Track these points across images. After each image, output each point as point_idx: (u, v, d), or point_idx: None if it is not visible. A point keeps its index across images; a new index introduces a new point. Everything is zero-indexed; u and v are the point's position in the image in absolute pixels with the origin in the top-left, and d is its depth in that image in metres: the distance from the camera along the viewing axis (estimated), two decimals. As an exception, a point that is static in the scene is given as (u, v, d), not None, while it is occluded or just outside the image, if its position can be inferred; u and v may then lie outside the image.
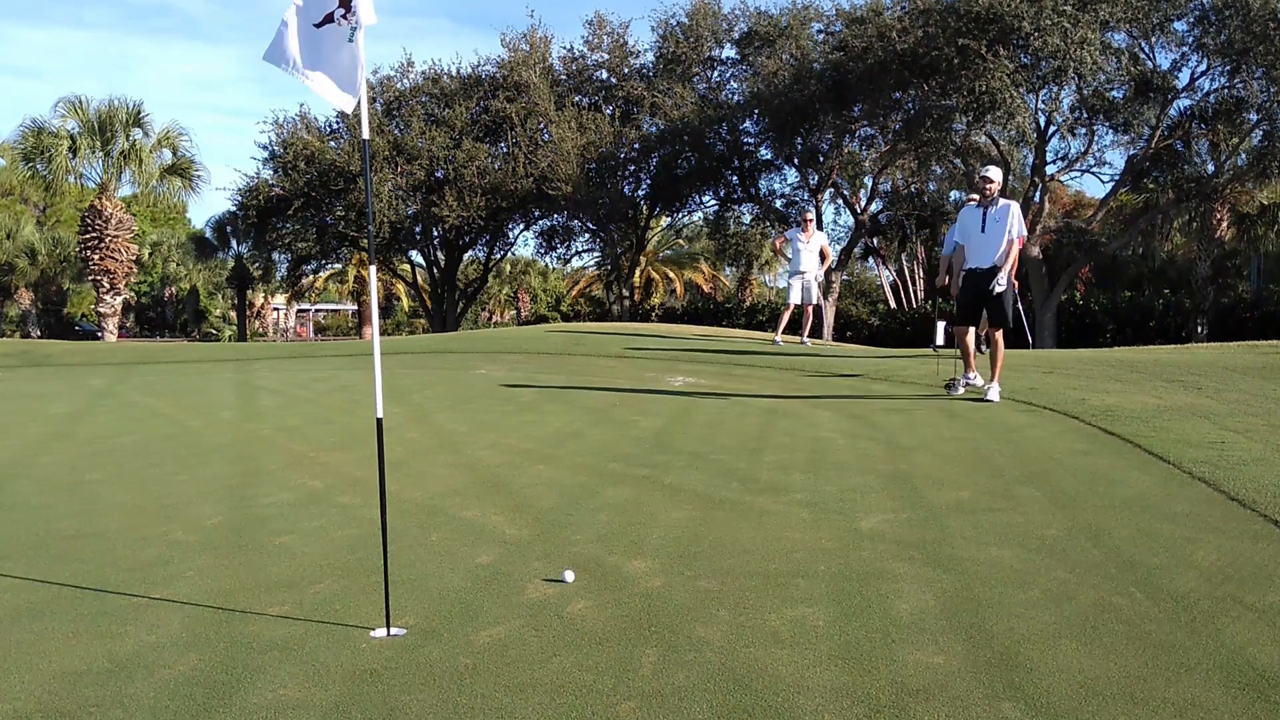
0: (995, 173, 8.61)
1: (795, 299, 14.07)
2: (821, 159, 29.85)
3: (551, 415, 8.48)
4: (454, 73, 32.52)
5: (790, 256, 14.12)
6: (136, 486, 5.84)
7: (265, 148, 31.96)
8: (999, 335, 8.59)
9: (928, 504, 5.10)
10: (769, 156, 31.45)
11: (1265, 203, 31.67)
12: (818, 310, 14.58)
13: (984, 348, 10.55)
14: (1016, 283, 8.70)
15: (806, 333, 14.56)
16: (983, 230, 8.56)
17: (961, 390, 8.90)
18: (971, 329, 8.77)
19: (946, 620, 3.42)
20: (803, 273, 13.99)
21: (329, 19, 3.62)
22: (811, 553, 4.25)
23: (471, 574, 4.03)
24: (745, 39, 29.81)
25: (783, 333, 14.68)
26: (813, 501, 5.18)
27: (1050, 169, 28.49)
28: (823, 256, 14.21)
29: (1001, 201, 8.60)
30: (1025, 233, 8.26)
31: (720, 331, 20.35)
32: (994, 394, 8.51)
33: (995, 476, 5.74)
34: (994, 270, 8.47)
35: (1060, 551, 4.21)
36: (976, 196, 10.88)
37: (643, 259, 40.78)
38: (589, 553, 4.30)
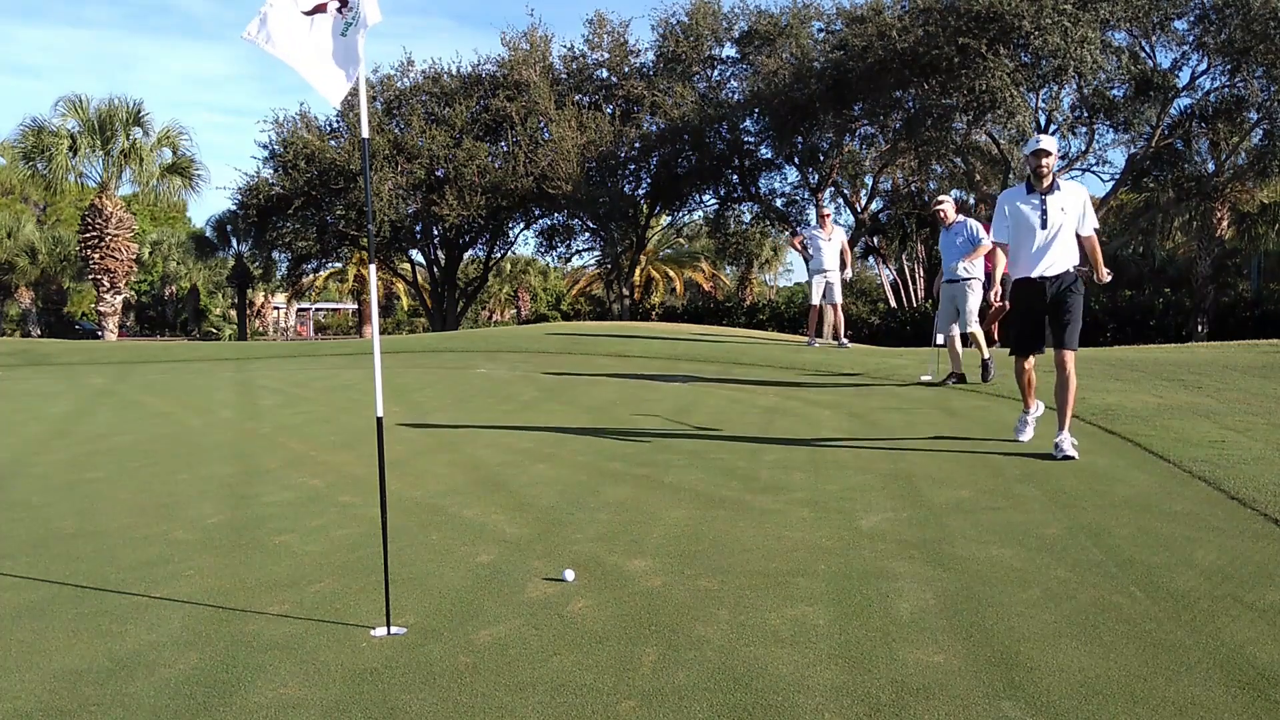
0: (1050, 143, 6.28)
1: (816, 299, 13.55)
2: (822, 158, 29.87)
3: (551, 414, 8.48)
4: (454, 71, 32.55)
5: (812, 254, 13.73)
6: (136, 485, 5.85)
7: (265, 146, 32.02)
8: (1070, 361, 6.21)
9: (928, 503, 5.09)
10: (769, 155, 31.49)
11: (1265, 201, 31.67)
12: (842, 309, 14.06)
13: (966, 345, 10.02)
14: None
15: (841, 332, 14.15)
16: (1043, 224, 6.25)
17: (1029, 433, 6.75)
18: (1032, 358, 6.61)
19: (947, 619, 3.42)
20: (826, 270, 13.44)
21: (320, 8, 3.60)
22: (811, 552, 4.25)
23: (472, 573, 4.03)
24: (745, 38, 29.83)
25: (815, 334, 14.21)
26: (813, 500, 5.18)
27: (1051, 168, 28.43)
28: (842, 257, 13.53)
29: (1067, 185, 6.39)
30: (1094, 230, 6.40)
31: (722, 330, 20.36)
32: (1069, 446, 6.13)
33: (995, 475, 5.74)
34: (1064, 278, 6.30)
35: (1060, 550, 4.21)
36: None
37: (643, 258, 40.80)
38: (589, 552, 4.30)
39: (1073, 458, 6.02)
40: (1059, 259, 6.29)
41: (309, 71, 3.62)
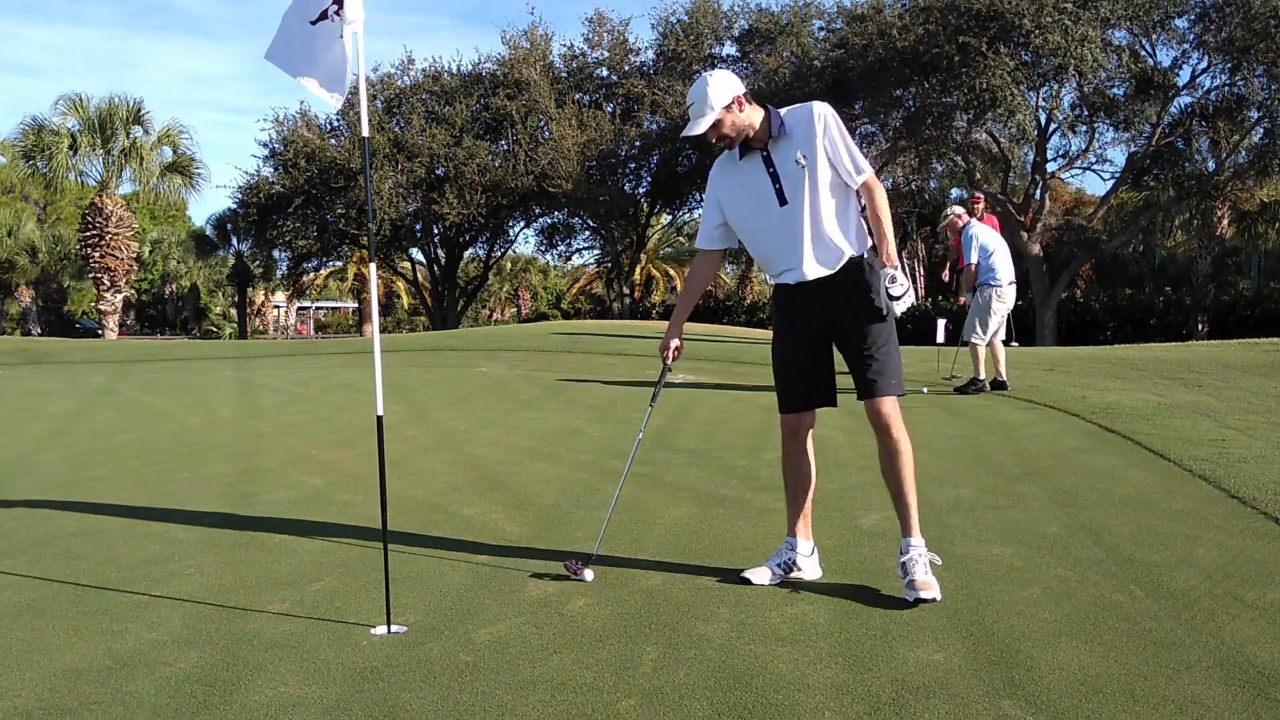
0: (711, 93, 3.56)
1: None
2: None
3: (552, 413, 8.49)
4: (454, 70, 32.60)
5: None
6: (137, 484, 5.85)
7: (266, 145, 32.10)
8: (892, 414, 3.72)
9: (928, 502, 5.08)
10: (769, 154, 31.43)
11: (1266, 200, 31.69)
12: None
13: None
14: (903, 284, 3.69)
15: None
16: (783, 199, 3.64)
17: (766, 577, 3.82)
18: (803, 415, 3.88)
19: (946, 618, 3.42)
20: None
21: (324, 15, 3.61)
22: (812, 550, 4.24)
23: (472, 571, 4.03)
24: (746, 36, 29.87)
25: None
26: (813, 499, 5.17)
27: (1051, 166, 28.51)
28: None
29: (793, 118, 3.65)
30: (870, 172, 3.69)
31: (722, 329, 20.36)
32: (920, 569, 3.59)
33: (995, 474, 5.74)
34: (849, 273, 3.65)
35: (1060, 549, 4.21)
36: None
37: (643, 256, 40.83)
38: (589, 550, 4.30)
39: (926, 599, 3.50)
40: (828, 243, 3.66)
41: (317, 86, 3.64)
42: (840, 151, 3.62)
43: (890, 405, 3.72)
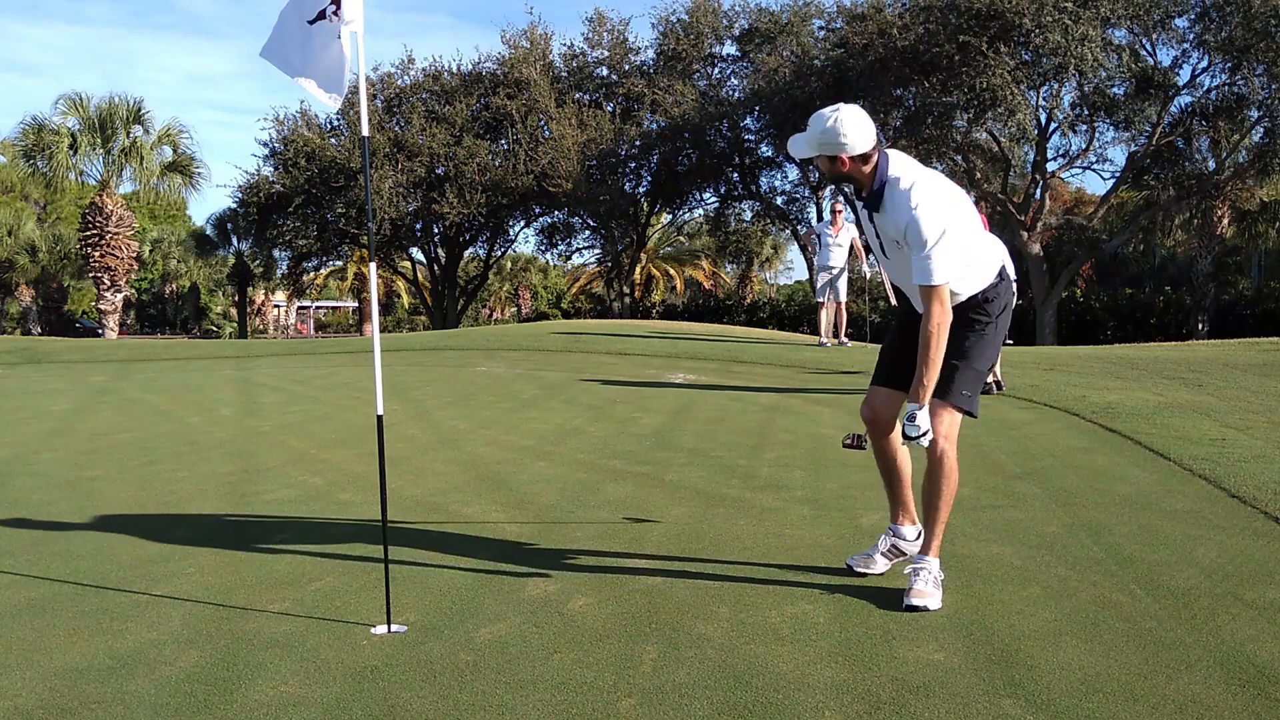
0: (855, 132, 3.50)
1: (822, 296, 13.45)
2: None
3: (552, 412, 8.48)
4: (454, 69, 32.58)
5: (818, 250, 13.43)
6: (137, 483, 5.85)
7: (266, 144, 32.07)
8: (946, 424, 3.60)
9: (928, 501, 5.09)
10: (770, 153, 31.49)
11: (1266, 199, 31.67)
12: (845, 308, 13.82)
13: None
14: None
15: (843, 331, 13.97)
16: (885, 252, 3.76)
17: (879, 565, 3.92)
18: (880, 400, 3.97)
19: (947, 617, 3.43)
20: (831, 268, 13.24)
21: (321, 15, 3.62)
22: (812, 550, 4.25)
23: (472, 570, 4.03)
24: (746, 35, 29.88)
25: (828, 334, 13.81)
26: (813, 498, 5.18)
27: (1051, 166, 28.50)
28: (853, 251, 13.34)
29: (895, 206, 3.54)
30: (937, 282, 3.48)
31: (723, 329, 20.36)
32: (925, 581, 3.57)
33: (995, 473, 5.74)
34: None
35: (1060, 548, 4.21)
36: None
37: (643, 256, 40.80)
38: (589, 549, 4.30)
39: (916, 605, 3.48)
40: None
41: (315, 86, 3.64)
42: (919, 256, 3.49)
43: (950, 415, 3.63)
